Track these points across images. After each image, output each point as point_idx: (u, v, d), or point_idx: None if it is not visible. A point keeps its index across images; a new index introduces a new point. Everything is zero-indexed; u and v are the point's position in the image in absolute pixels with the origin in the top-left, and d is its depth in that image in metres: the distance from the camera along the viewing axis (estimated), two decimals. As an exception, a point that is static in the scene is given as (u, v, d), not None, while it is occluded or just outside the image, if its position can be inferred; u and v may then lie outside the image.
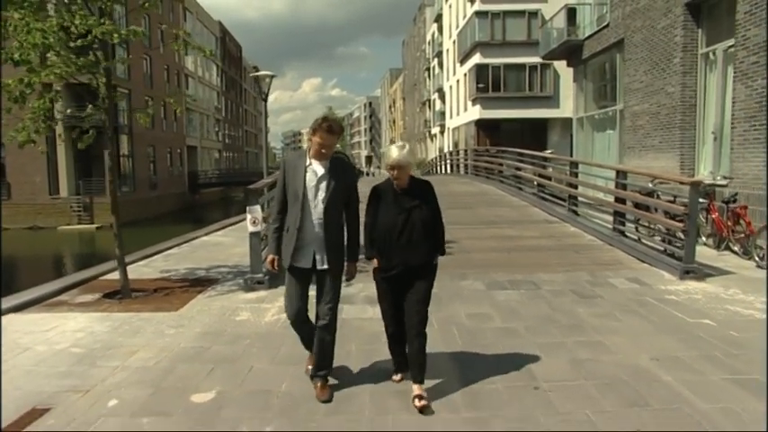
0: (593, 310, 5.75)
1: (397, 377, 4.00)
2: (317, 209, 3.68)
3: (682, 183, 7.70)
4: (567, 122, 24.51)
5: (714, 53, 10.33)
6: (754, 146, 8.67)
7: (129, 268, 7.25)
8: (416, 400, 3.57)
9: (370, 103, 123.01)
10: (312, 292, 3.87)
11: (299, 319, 3.86)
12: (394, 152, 3.70)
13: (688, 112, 10.84)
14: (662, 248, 8.12)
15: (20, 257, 25.69)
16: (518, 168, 16.14)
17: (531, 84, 32.47)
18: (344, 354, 4.50)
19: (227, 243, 10.99)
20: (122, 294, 6.75)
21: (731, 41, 9.42)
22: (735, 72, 9.23)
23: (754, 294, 6.15)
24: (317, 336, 3.83)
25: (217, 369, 4.35)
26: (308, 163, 3.71)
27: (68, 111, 7.91)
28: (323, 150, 3.66)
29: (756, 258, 7.68)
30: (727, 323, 5.19)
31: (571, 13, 18.00)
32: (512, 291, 6.56)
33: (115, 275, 7.81)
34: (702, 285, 6.66)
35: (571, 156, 17.26)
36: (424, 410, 3.52)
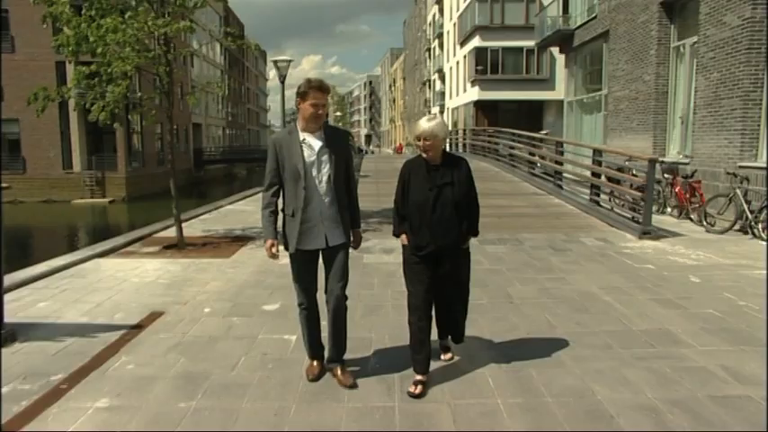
0: (563, 258, 7.25)
1: (418, 378, 3.57)
2: (321, 185, 3.48)
3: (644, 159, 9.12)
4: (561, 104, 25.69)
5: (683, 47, 11.72)
6: (710, 129, 10.12)
7: (172, 229, 8.75)
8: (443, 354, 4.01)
9: (371, 82, 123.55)
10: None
11: (312, 306, 3.69)
12: (423, 123, 3.53)
13: (661, 98, 12.27)
14: (630, 216, 9.59)
15: (40, 228, 27.12)
16: (512, 147, 17.58)
17: (529, 66, 33.70)
18: (369, 284, 6.01)
19: (251, 210, 12.45)
20: (179, 246, 8.22)
21: (696, 38, 10.80)
22: (697, 65, 10.65)
23: (693, 250, 7.66)
24: (329, 316, 3.66)
25: (275, 292, 5.83)
26: (301, 138, 3.49)
27: (140, 95, 9.19)
28: (319, 112, 3.43)
29: (704, 224, 9.17)
30: (664, 267, 6.70)
31: (564, 2, 19.25)
32: (499, 245, 8.06)
33: (165, 233, 9.36)
34: (655, 243, 8.16)
35: (562, 136, 18.68)
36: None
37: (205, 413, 3.29)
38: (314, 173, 3.47)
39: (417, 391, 3.47)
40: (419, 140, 3.52)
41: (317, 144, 3.48)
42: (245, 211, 12.55)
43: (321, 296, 3.73)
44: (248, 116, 78.78)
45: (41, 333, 4.59)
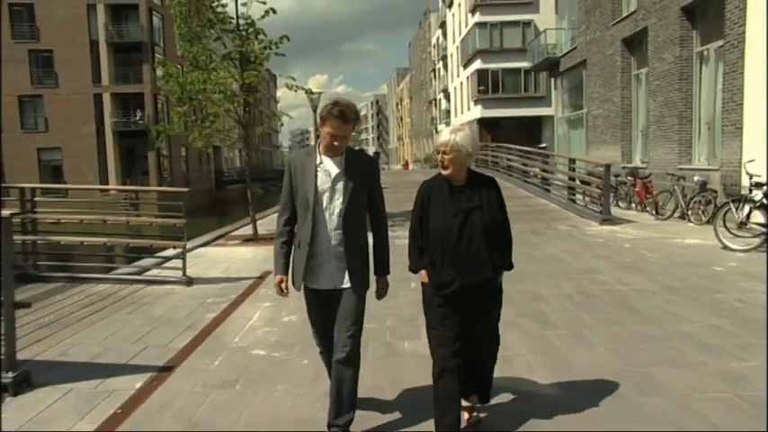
0: (540, 238, 9.99)
1: None
2: (332, 217, 3.05)
3: (602, 165, 11.89)
4: (555, 120, 28.64)
5: (641, 75, 14.55)
6: (659, 140, 12.91)
7: (240, 231, 11.60)
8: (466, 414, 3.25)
9: (377, 101, 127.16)
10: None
11: (329, 348, 3.21)
12: (445, 132, 3.02)
13: (626, 116, 15.07)
14: (597, 210, 12.31)
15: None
16: (509, 160, 20.38)
17: (527, 86, 36.70)
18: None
19: (294, 217, 15.29)
20: (255, 239, 11.01)
21: (647, 69, 13.63)
22: (648, 90, 13.46)
23: (637, 231, 10.40)
24: (333, 372, 3.11)
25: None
26: (318, 161, 3.07)
27: (227, 128, 12.17)
28: (335, 143, 2.98)
29: (655, 213, 11.88)
30: (609, 240, 9.45)
31: (551, 33, 22.22)
32: (494, 232, 10.81)
33: (239, 232, 12.18)
34: (610, 227, 10.90)
35: (554, 149, 21.52)
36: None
37: (326, 305, 6.04)
38: (325, 203, 3.05)
39: None
40: (438, 153, 3.05)
41: (334, 170, 3.06)
42: (289, 217, 15.37)
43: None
44: (262, 138, 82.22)
45: (203, 281, 7.41)
